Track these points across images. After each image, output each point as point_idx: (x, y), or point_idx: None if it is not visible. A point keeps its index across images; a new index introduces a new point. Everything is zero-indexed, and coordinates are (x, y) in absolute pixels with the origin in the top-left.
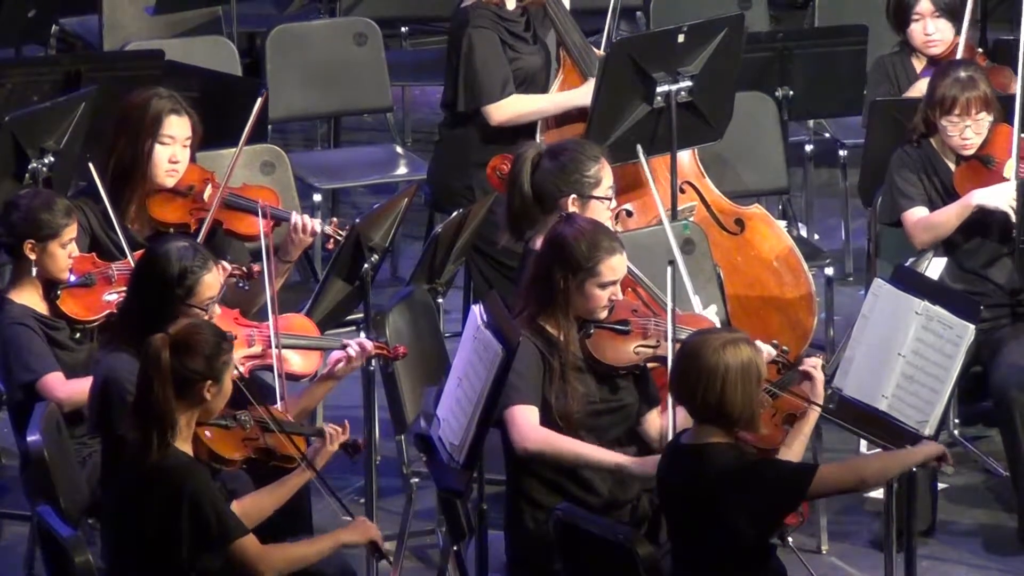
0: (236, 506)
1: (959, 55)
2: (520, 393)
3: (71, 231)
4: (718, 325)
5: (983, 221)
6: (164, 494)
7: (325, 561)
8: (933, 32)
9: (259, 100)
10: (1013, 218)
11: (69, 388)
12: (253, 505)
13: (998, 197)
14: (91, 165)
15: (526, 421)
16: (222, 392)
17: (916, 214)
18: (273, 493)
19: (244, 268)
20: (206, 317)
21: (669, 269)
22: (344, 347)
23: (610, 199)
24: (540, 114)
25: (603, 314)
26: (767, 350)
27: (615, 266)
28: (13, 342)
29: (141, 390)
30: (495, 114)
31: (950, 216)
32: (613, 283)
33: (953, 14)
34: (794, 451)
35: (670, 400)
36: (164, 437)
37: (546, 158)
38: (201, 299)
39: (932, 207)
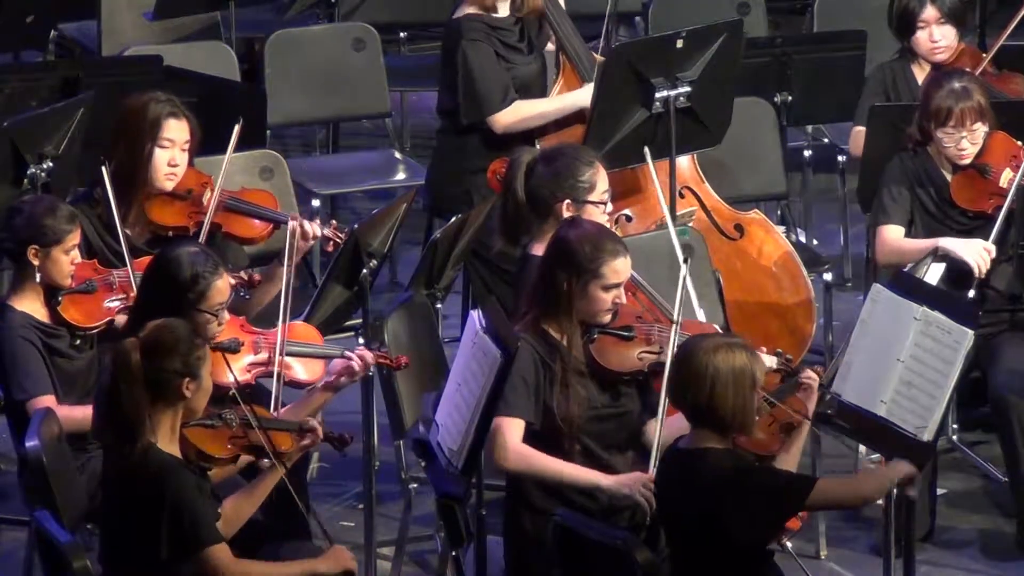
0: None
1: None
2: (509, 406)
3: (74, 237)
4: None
5: (982, 228)
6: (147, 495)
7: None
8: (939, 39)
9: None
10: (976, 273)
11: (59, 414)
12: (232, 509)
13: (964, 250)
14: (104, 170)
15: (509, 436)
16: (202, 388)
17: (889, 232)
18: (250, 495)
19: (245, 276)
20: (216, 323)
21: (680, 275)
22: (348, 356)
23: (605, 204)
24: (543, 117)
25: (607, 318)
26: (770, 361)
27: (619, 269)
28: (12, 356)
29: (111, 395)
30: (500, 122)
31: (914, 250)
32: (617, 286)
33: (958, 20)
34: (790, 459)
35: (661, 406)
36: (136, 441)
37: (540, 163)
38: (212, 304)
39: (925, 218)
